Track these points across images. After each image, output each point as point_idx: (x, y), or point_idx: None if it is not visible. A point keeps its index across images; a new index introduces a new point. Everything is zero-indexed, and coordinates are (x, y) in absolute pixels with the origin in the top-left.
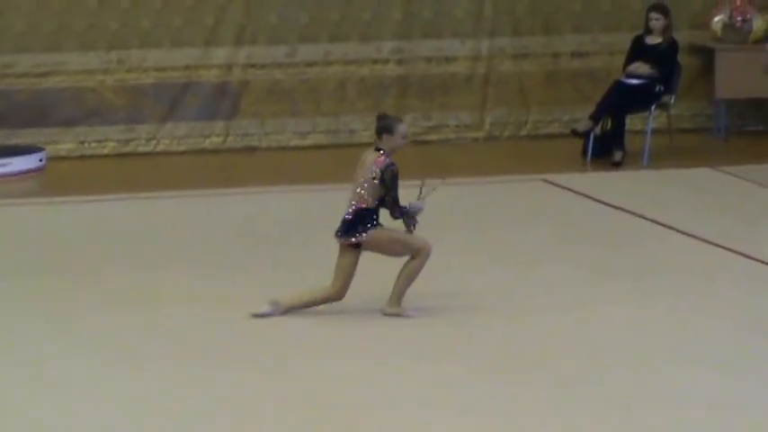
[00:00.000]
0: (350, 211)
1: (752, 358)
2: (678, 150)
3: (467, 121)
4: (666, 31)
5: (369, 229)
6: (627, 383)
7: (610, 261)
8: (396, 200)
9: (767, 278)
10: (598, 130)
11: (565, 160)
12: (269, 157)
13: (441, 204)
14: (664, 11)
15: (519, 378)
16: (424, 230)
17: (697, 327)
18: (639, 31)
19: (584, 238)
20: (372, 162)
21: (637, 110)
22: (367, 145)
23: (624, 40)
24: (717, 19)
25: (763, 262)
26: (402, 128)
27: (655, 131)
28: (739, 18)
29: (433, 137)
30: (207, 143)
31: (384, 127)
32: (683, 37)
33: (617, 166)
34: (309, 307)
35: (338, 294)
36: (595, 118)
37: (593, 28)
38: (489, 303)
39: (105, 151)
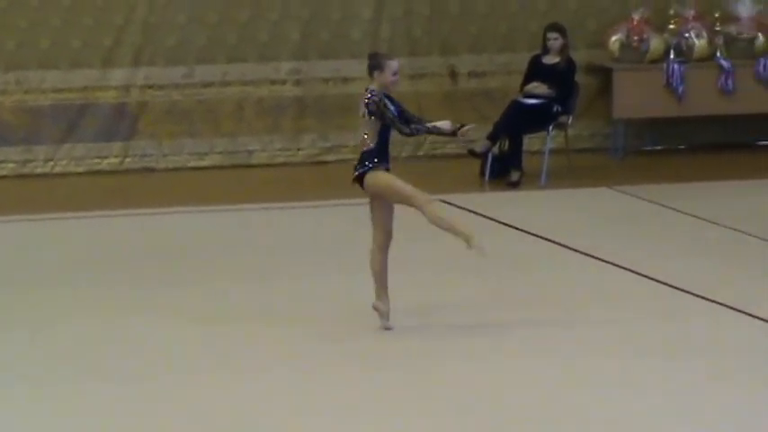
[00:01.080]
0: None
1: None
2: (576, 170)
3: None
4: (564, 50)
5: (367, 168)
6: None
7: (506, 282)
8: (394, 119)
9: (664, 296)
10: (496, 150)
11: (462, 180)
12: (167, 178)
13: (334, 226)
14: (561, 31)
15: None
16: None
17: (601, 349)
18: (537, 51)
19: (482, 258)
20: (363, 99)
21: (534, 130)
22: (265, 166)
23: (521, 60)
24: (614, 39)
25: (658, 281)
26: (392, 64)
27: (552, 151)
28: (636, 38)
29: (330, 158)
30: (105, 164)
31: (373, 65)
32: (580, 57)
33: (514, 186)
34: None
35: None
36: (493, 138)
37: (490, 48)
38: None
39: (3, 173)
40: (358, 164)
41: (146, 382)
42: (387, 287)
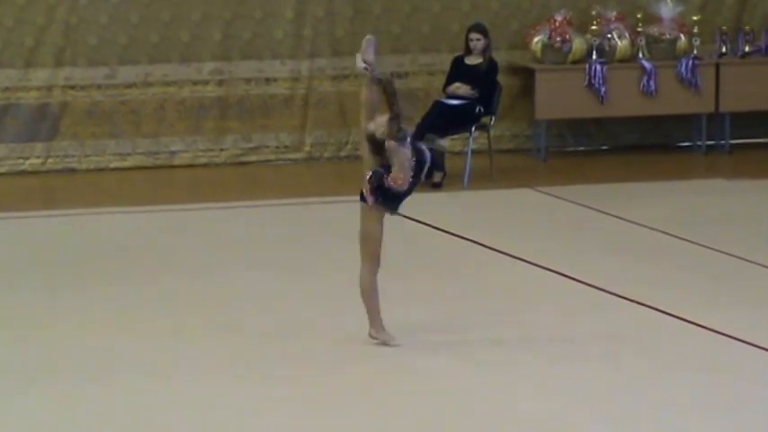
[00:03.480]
0: None
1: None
2: (498, 171)
3: (287, 142)
4: (486, 51)
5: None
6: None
7: (427, 283)
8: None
9: (584, 297)
10: None
11: None
12: (89, 178)
13: (261, 225)
14: (483, 31)
15: None
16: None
17: (520, 349)
18: (459, 52)
19: (403, 258)
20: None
21: (457, 131)
22: (187, 167)
23: (444, 61)
24: (536, 39)
25: (578, 281)
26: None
27: (475, 152)
28: (558, 38)
29: (253, 158)
30: (26, 165)
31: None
32: (502, 57)
33: (437, 187)
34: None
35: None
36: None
37: (412, 48)
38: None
39: None
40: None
41: (62, 387)
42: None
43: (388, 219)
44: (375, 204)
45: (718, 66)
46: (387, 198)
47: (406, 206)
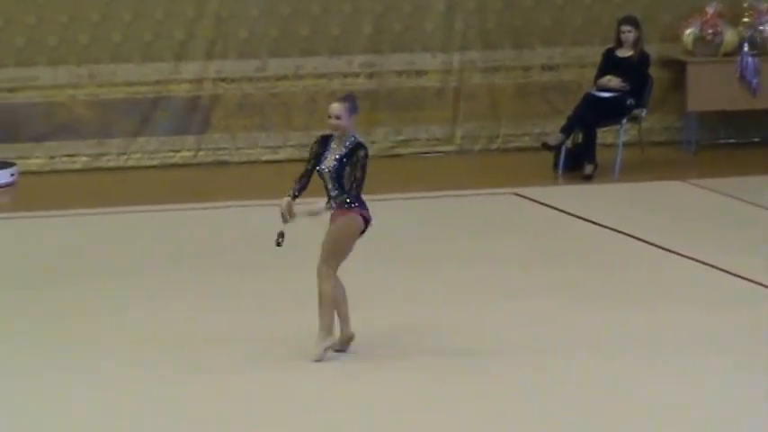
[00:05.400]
0: None
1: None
2: (649, 163)
3: (438, 134)
4: (637, 43)
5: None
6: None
7: (579, 274)
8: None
9: (733, 289)
10: (569, 143)
11: (536, 174)
12: (240, 171)
13: (412, 218)
14: (635, 24)
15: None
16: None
17: (669, 339)
18: (611, 44)
19: (555, 251)
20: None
21: (608, 123)
22: None
23: (595, 53)
24: (688, 32)
25: (730, 273)
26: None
27: (626, 144)
28: (710, 31)
29: (403, 151)
30: (178, 158)
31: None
32: (654, 50)
33: (588, 179)
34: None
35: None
36: (566, 131)
37: (563, 41)
38: (458, 318)
39: (76, 166)
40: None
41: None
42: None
43: None
44: (356, 213)
45: None
46: (364, 205)
47: (558, 198)
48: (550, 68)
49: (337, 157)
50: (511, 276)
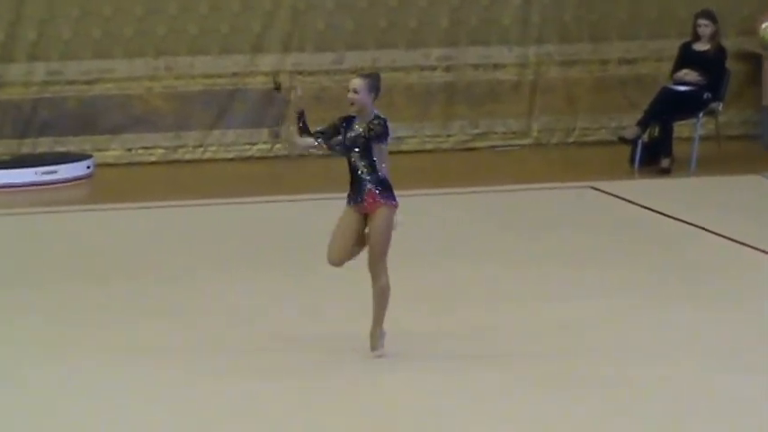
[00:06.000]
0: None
1: None
2: (726, 157)
3: (514, 128)
4: (714, 37)
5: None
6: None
7: (656, 269)
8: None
9: None
10: (646, 136)
11: (612, 167)
12: (316, 164)
13: (487, 212)
14: (711, 17)
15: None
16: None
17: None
18: (687, 38)
19: (632, 245)
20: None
21: (684, 117)
22: (414, 152)
23: (672, 47)
24: (764, 25)
25: None
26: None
27: (702, 138)
28: None
29: (480, 144)
30: (254, 150)
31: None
32: (731, 43)
33: (664, 173)
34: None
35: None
36: (643, 125)
37: (640, 35)
38: (538, 310)
39: (153, 158)
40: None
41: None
42: None
43: None
44: (390, 204)
45: None
46: (391, 191)
47: (634, 192)
48: (627, 62)
49: (362, 132)
50: (588, 272)
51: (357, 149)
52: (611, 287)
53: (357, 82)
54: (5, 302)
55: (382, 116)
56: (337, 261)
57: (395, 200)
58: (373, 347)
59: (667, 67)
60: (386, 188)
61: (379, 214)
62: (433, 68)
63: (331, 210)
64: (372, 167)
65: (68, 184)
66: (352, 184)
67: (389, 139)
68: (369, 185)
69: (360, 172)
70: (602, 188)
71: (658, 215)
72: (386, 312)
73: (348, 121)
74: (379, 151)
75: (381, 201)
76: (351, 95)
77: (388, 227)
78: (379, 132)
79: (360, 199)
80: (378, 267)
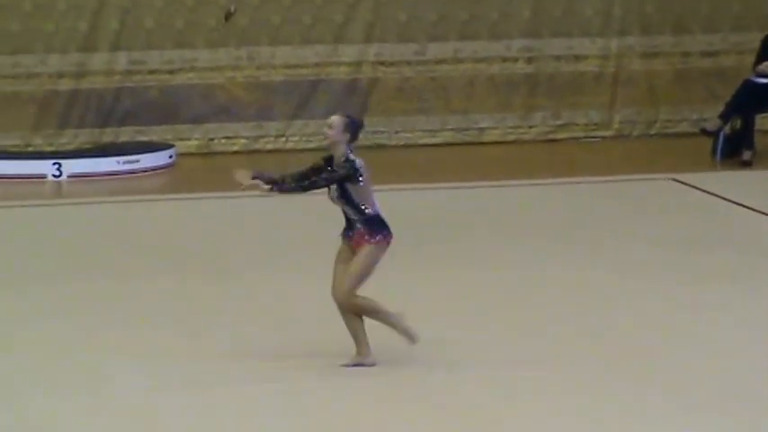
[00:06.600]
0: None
1: None
2: None
3: (596, 119)
4: None
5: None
6: None
7: (739, 261)
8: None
9: None
10: (728, 129)
11: (694, 159)
12: (397, 154)
13: (569, 203)
14: None
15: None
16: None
17: None
18: None
19: (715, 237)
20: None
21: (766, 109)
22: (496, 144)
23: (754, 40)
24: None
25: None
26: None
27: None
28: None
29: (562, 135)
30: None
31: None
32: None
33: (746, 165)
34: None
35: None
36: (725, 117)
37: (723, 27)
38: (616, 303)
39: (235, 148)
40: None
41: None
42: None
43: None
44: (375, 241)
45: None
46: (382, 226)
47: (716, 184)
48: (710, 54)
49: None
50: (671, 262)
51: (340, 199)
52: (695, 276)
53: (334, 118)
54: (89, 292)
55: (354, 158)
56: (340, 297)
57: (384, 236)
58: (409, 338)
59: (750, 59)
60: (373, 226)
61: (363, 249)
62: (515, 60)
63: (411, 200)
64: (357, 210)
65: (150, 173)
66: (346, 221)
67: (362, 179)
68: (358, 225)
69: (348, 216)
70: (683, 180)
71: (740, 207)
72: (391, 318)
73: (329, 160)
74: (358, 192)
75: (366, 239)
76: (325, 130)
77: (368, 264)
78: (343, 174)
79: (350, 234)
80: (347, 296)
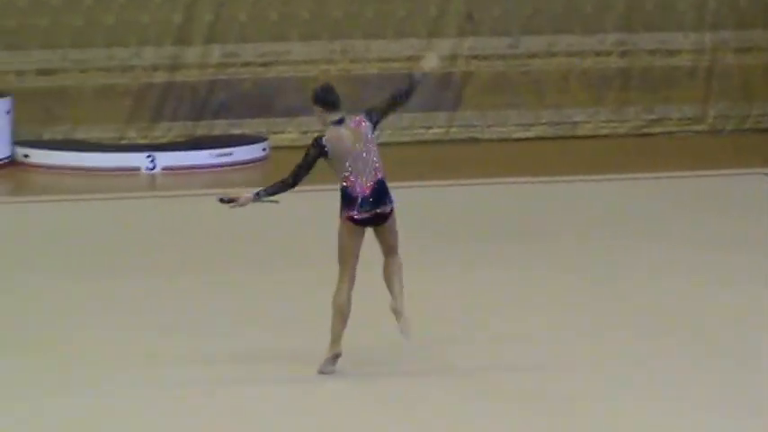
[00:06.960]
0: (370, 184)
1: None
2: None
3: (689, 114)
4: None
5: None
6: None
7: None
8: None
9: None
10: None
11: None
12: (491, 148)
13: (663, 198)
14: None
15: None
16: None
17: None
18: None
19: None
20: (363, 128)
21: None
22: (589, 138)
23: None
24: None
25: None
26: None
27: None
28: None
29: (655, 129)
30: (429, 134)
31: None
32: None
33: None
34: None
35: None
36: None
37: None
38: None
39: None
40: (385, 192)
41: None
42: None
43: None
44: (342, 217)
45: None
46: (348, 203)
47: None
48: None
49: None
50: (761, 258)
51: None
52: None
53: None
54: (190, 285)
55: (323, 135)
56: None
57: (347, 212)
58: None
59: None
60: (342, 200)
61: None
62: (609, 54)
63: (504, 194)
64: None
65: (244, 166)
66: None
67: (329, 153)
68: None
69: None
70: None
71: None
72: (338, 329)
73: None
74: (333, 165)
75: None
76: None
77: (340, 245)
78: (313, 154)
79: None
80: (339, 276)
